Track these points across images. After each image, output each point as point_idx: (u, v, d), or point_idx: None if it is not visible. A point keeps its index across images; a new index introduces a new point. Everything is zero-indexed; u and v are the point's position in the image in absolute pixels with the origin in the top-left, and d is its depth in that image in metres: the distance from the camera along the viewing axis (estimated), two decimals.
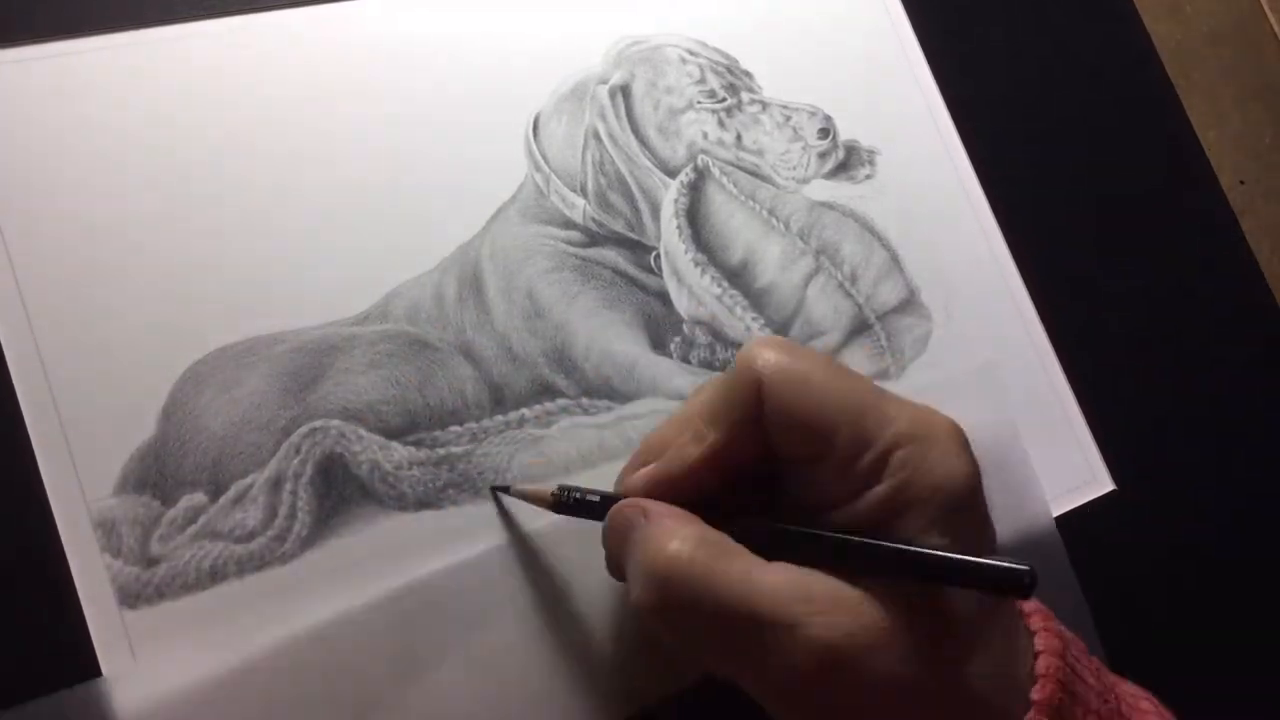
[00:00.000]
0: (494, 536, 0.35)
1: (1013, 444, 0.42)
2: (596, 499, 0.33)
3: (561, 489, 0.33)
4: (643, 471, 0.32)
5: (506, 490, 0.35)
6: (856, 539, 0.29)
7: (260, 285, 0.36)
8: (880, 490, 0.29)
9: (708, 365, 0.40)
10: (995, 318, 0.45)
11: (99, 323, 0.34)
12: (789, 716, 0.29)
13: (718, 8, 0.45)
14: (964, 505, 0.29)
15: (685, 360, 0.40)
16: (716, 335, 0.41)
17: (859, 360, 0.42)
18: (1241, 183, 0.55)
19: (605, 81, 0.42)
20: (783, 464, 0.31)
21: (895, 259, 0.44)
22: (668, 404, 0.39)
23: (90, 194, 0.35)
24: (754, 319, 0.41)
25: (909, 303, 0.44)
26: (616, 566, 0.32)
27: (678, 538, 0.28)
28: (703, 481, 0.31)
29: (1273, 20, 0.58)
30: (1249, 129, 0.57)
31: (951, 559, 0.28)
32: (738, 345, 0.41)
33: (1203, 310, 0.50)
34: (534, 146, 0.40)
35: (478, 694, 0.34)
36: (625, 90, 0.42)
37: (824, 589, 0.28)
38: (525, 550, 0.35)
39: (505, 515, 0.36)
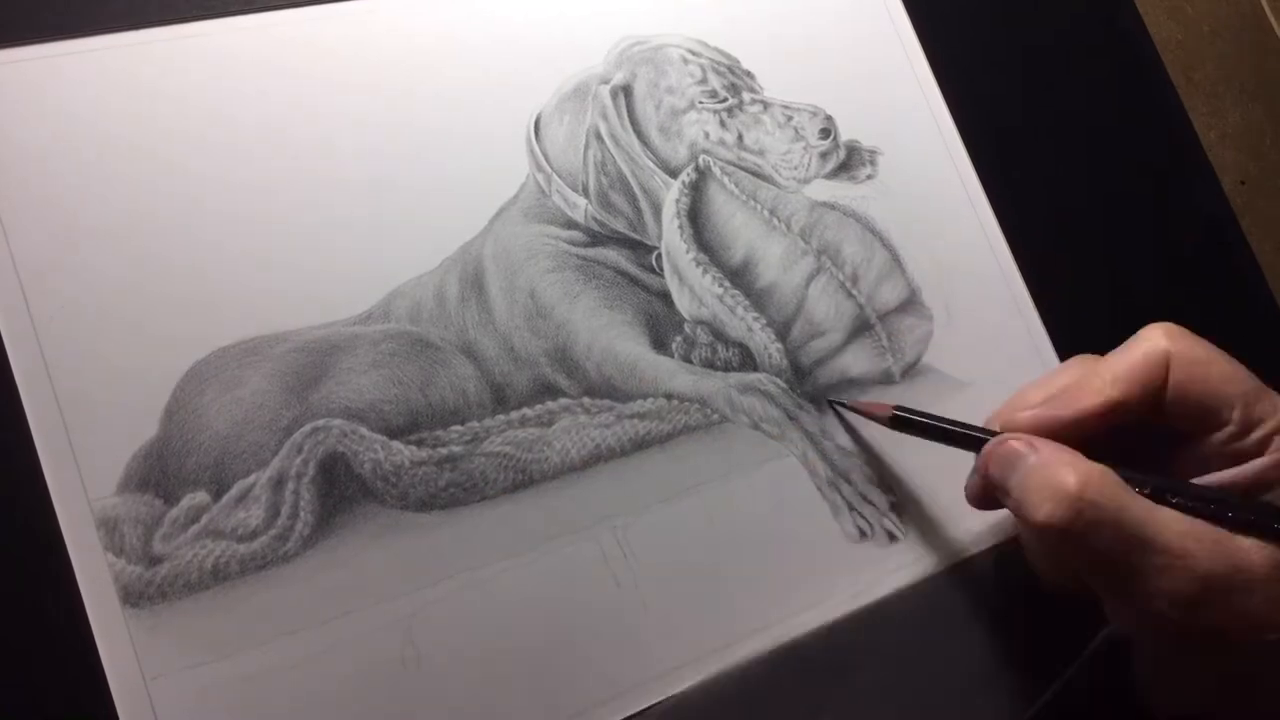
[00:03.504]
0: (491, 543, 0.35)
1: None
2: (944, 425, 0.36)
3: (900, 409, 0.37)
4: (1032, 412, 0.35)
5: (844, 404, 0.40)
6: (1240, 500, 0.33)
7: (262, 285, 0.36)
8: (1259, 463, 0.34)
9: (709, 365, 0.40)
10: (996, 318, 0.45)
11: (101, 322, 0.34)
12: (1157, 635, 0.34)
13: (719, 8, 0.45)
14: None
15: (687, 360, 0.40)
16: (718, 335, 0.41)
17: (860, 360, 0.42)
18: (1242, 183, 0.55)
19: (607, 81, 0.42)
20: (1165, 433, 0.35)
21: (896, 259, 0.44)
22: (669, 404, 0.39)
23: (92, 194, 0.35)
24: (755, 319, 0.41)
25: (910, 303, 0.44)
26: (991, 493, 0.35)
27: (1078, 470, 0.32)
28: (1084, 433, 0.34)
29: (1273, 20, 0.58)
30: (1249, 129, 0.57)
31: None
32: (739, 345, 0.41)
33: (1203, 310, 0.50)
34: (536, 146, 0.40)
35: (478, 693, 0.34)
36: (627, 90, 0.42)
37: (1210, 533, 0.32)
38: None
39: (847, 426, 0.40)
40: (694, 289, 0.41)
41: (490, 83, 0.41)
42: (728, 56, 0.44)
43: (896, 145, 0.46)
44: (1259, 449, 0.34)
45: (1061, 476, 0.32)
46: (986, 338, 0.45)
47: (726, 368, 0.40)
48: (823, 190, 0.44)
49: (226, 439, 0.34)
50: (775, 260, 0.42)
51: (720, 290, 0.41)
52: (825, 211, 0.44)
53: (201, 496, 0.33)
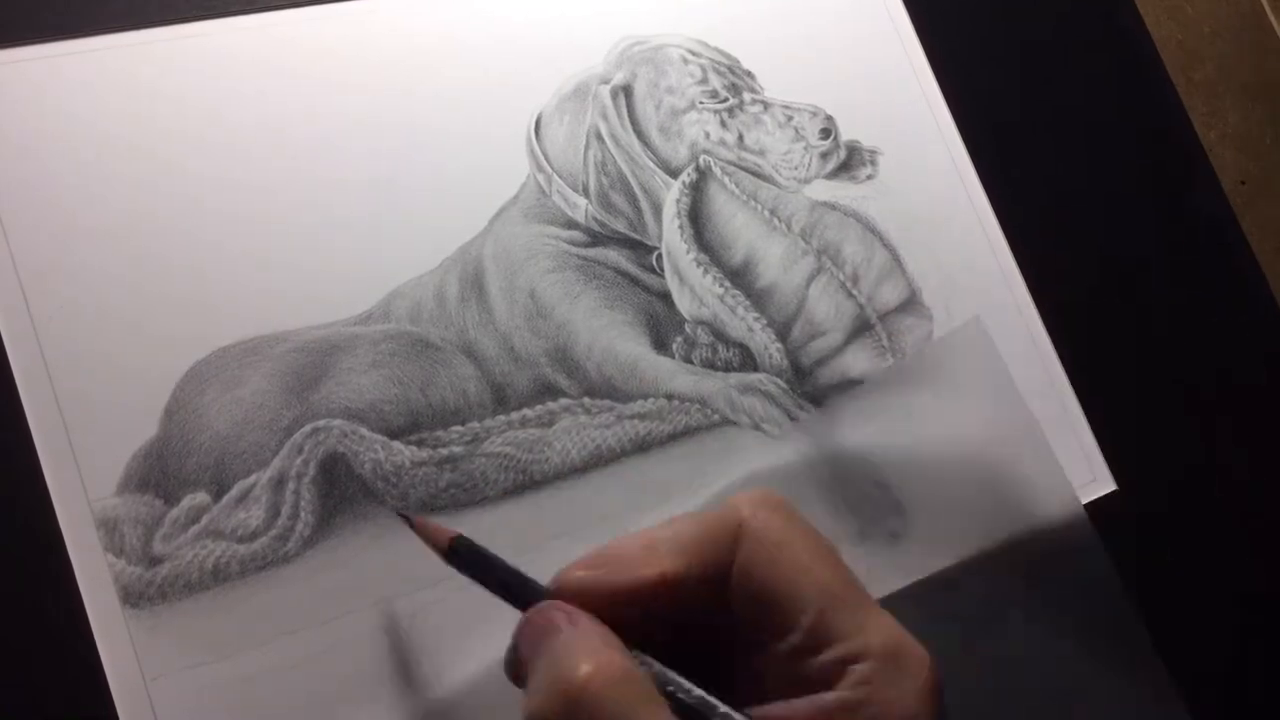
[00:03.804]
0: (491, 544, 0.35)
1: (1032, 433, 0.42)
2: (507, 573, 0.30)
3: (460, 540, 0.30)
4: (582, 573, 0.28)
5: (410, 523, 0.31)
6: None
7: (262, 285, 0.36)
8: (828, 699, 0.26)
9: (709, 365, 0.40)
10: (996, 317, 0.45)
11: (102, 323, 0.34)
12: None
13: (720, 8, 0.45)
14: None
15: (687, 360, 0.40)
16: (718, 335, 0.41)
17: (861, 360, 0.42)
18: (1242, 183, 0.55)
19: (607, 82, 0.42)
20: (736, 631, 0.28)
21: (896, 259, 0.44)
22: (669, 404, 0.39)
23: (93, 194, 0.35)
24: (755, 319, 0.41)
25: (910, 303, 0.44)
26: (518, 664, 0.28)
27: (598, 662, 0.26)
28: (642, 608, 0.28)
29: (1273, 20, 0.58)
30: (1249, 129, 0.57)
31: None
32: (740, 345, 0.41)
33: (1203, 310, 0.50)
34: (536, 146, 0.40)
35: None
36: (627, 90, 0.42)
37: None
38: None
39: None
40: (695, 289, 0.41)
41: (490, 83, 0.41)
42: (728, 56, 0.44)
43: (896, 145, 0.46)
44: (831, 674, 0.26)
45: (573, 663, 0.26)
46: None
47: (727, 368, 0.40)
48: (823, 190, 0.44)
49: (227, 439, 0.34)
50: (776, 260, 0.42)
51: (721, 290, 0.41)
52: (826, 211, 0.44)
53: (202, 497, 0.33)
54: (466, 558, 0.30)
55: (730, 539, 0.28)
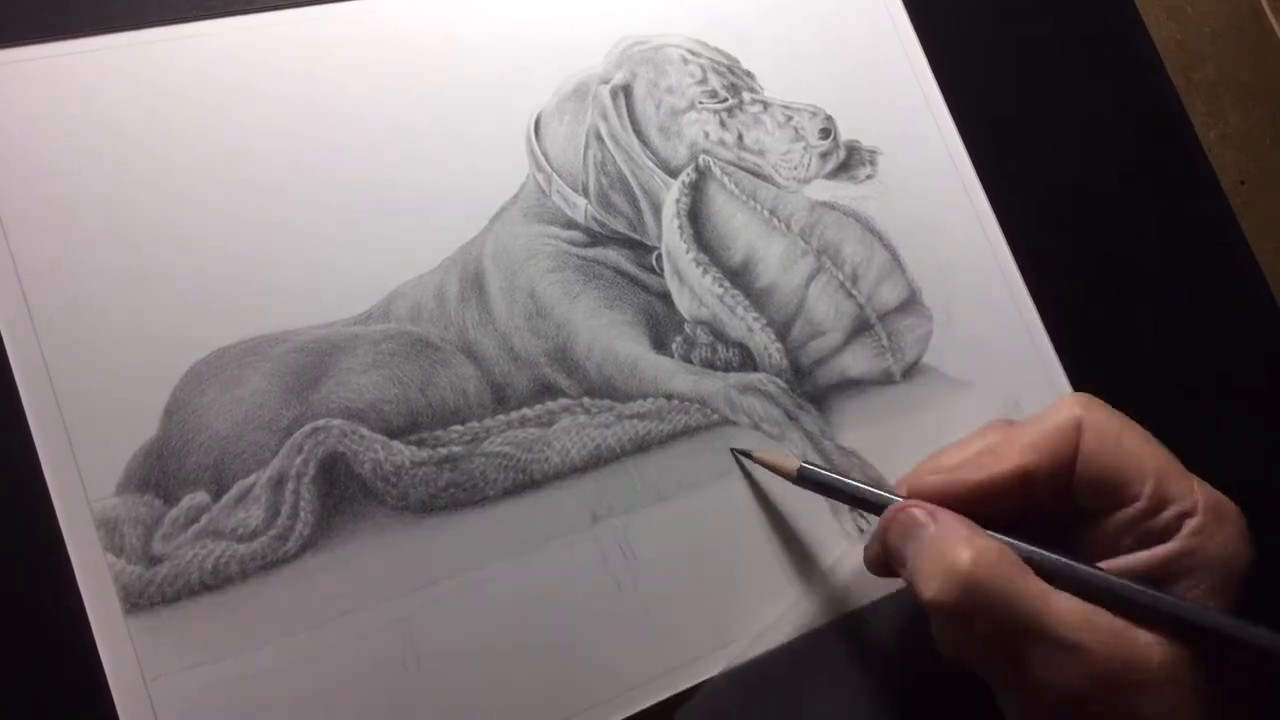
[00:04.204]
0: (491, 543, 0.35)
1: None
2: (863, 486, 0.35)
3: (806, 465, 0.36)
4: (937, 477, 0.33)
5: (749, 455, 0.38)
6: (1149, 590, 0.31)
7: (262, 285, 0.36)
8: (1167, 548, 0.32)
9: (709, 365, 0.40)
10: (996, 318, 0.45)
11: (101, 322, 0.34)
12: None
13: (719, 8, 0.45)
14: (1239, 587, 0.32)
15: (687, 360, 0.40)
16: (718, 335, 0.41)
17: (860, 360, 0.42)
18: (1242, 183, 0.55)
19: (607, 81, 0.42)
20: (1076, 509, 0.33)
21: (896, 259, 0.44)
22: (669, 404, 0.39)
23: (93, 194, 0.35)
24: (755, 319, 0.41)
25: (910, 303, 0.44)
26: (889, 561, 0.33)
27: (974, 546, 0.31)
28: (993, 501, 0.33)
29: (1273, 20, 0.58)
30: (1249, 129, 0.57)
31: (1250, 628, 0.30)
32: (739, 345, 0.41)
33: (1203, 310, 0.50)
34: (536, 146, 0.40)
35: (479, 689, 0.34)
36: (627, 90, 0.42)
37: (1108, 623, 0.30)
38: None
39: (749, 478, 0.38)
40: (694, 289, 0.41)
41: (490, 83, 0.41)
42: (728, 56, 0.44)
43: (896, 145, 0.46)
44: (1167, 532, 0.32)
45: (955, 552, 0.31)
46: (986, 338, 0.45)
47: (726, 368, 0.40)
48: (823, 190, 0.44)
49: (226, 439, 0.34)
50: (775, 260, 0.42)
51: (720, 290, 0.41)
52: (825, 211, 0.44)
53: (201, 496, 0.33)
54: (814, 481, 0.36)
55: (1073, 434, 0.33)
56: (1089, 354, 0.46)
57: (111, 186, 0.35)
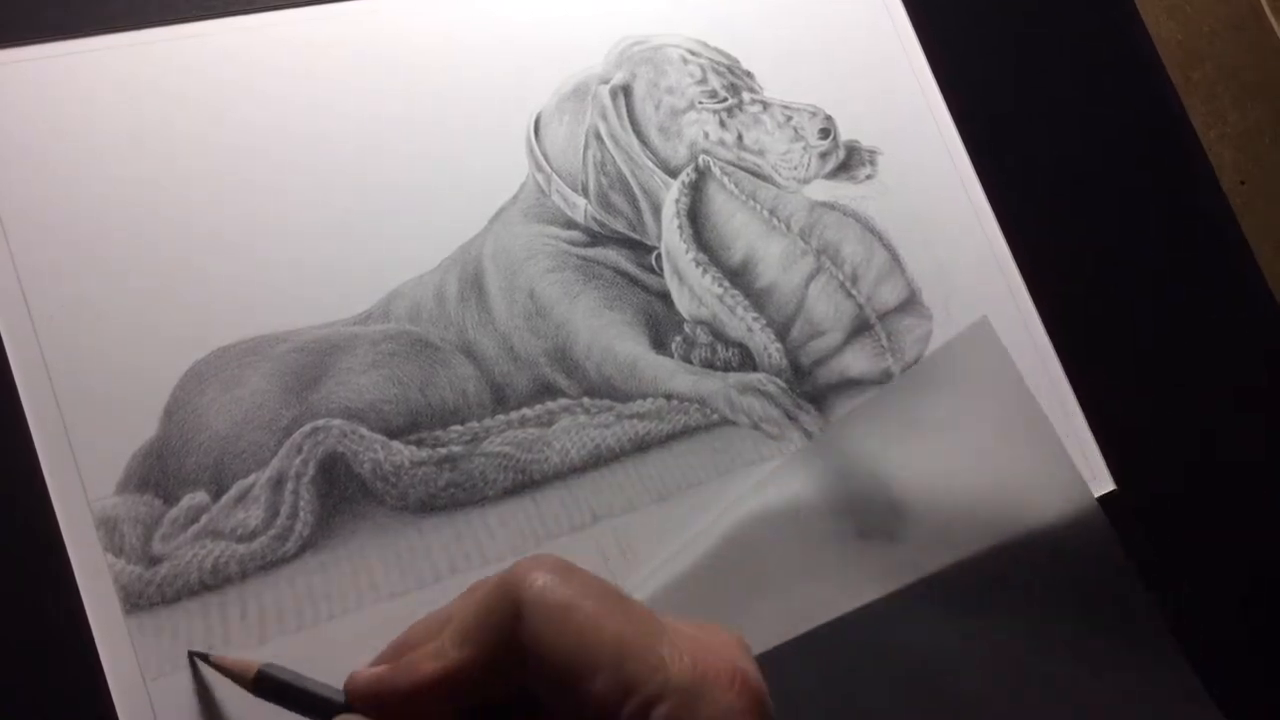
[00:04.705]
0: (491, 543, 0.35)
1: (1041, 426, 0.42)
2: (311, 691, 0.30)
3: (266, 669, 0.30)
4: (370, 674, 0.29)
5: (206, 659, 0.32)
6: None
7: (262, 285, 0.36)
8: None
9: (709, 365, 0.40)
10: (996, 318, 0.45)
11: (101, 323, 0.34)
12: None
13: (719, 8, 0.45)
14: None
15: (686, 360, 0.40)
16: (717, 335, 0.41)
17: (860, 360, 0.42)
18: (1242, 183, 0.55)
19: (607, 82, 0.42)
20: (540, 701, 0.27)
21: (896, 259, 0.44)
22: (669, 404, 0.39)
23: (92, 194, 0.35)
24: (755, 319, 0.41)
25: (910, 303, 0.44)
26: None
27: None
28: (438, 701, 0.28)
29: (1273, 20, 0.58)
30: (1249, 129, 0.57)
31: None
32: (739, 345, 0.41)
33: (1203, 310, 0.50)
34: (535, 146, 0.40)
35: None
36: (627, 90, 0.42)
37: None
38: None
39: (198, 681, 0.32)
40: (694, 289, 0.41)
41: (490, 83, 0.41)
42: (727, 56, 0.44)
43: (896, 145, 0.46)
44: None
45: None
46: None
47: (726, 368, 0.40)
48: (822, 190, 0.44)
49: (226, 439, 0.34)
50: (775, 260, 0.42)
51: (720, 290, 0.41)
52: (825, 211, 0.44)
53: (201, 496, 0.33)
54: (270, 687, 0.30)
55: (512, 615, 0.27)
56: (1088, 353, 0.46)
57: (111, 186, 0.35)
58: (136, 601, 0.32)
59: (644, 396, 0.39)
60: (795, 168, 0.44)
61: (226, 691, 0.31)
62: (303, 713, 0.30)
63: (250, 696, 0.30)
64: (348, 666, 0.32)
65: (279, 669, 0.30)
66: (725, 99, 0.44)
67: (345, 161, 0.38)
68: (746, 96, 0.44)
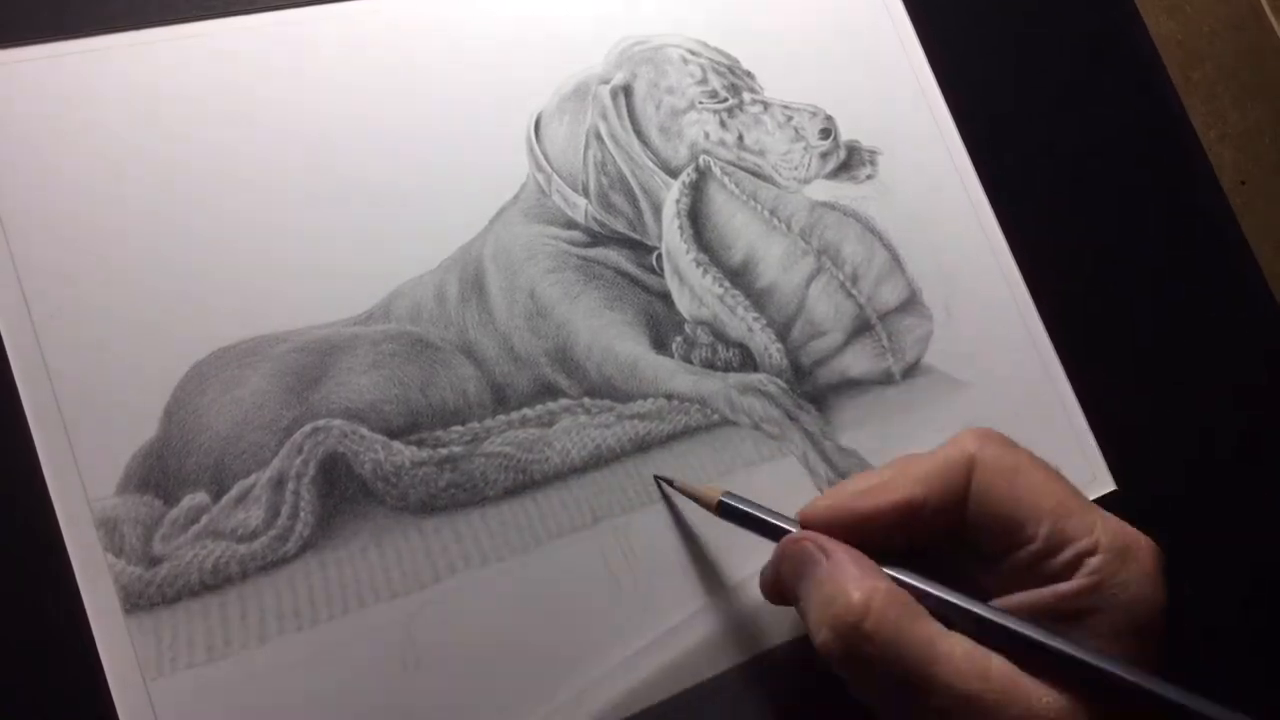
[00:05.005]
0: (491, 544, 0.35)
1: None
2: (765, 516, 0.34)
3: (728, 497, 0.35)
4: (826, 503, 0.33)
5: (671, 483, 0.37)
6: (1042, 632, 0.30)
7: (263, 285, 0.36)
8: (1065, 588, 0.31)
9: (709, 365, 0.40)
10: (996, 318, 0.45)
11: (102, 322, 0.34)
12: None
13: (720, 8, 0.45)
14: (1148, 628, 0.31)
15: (687, 360, 0.40)
16: (718, 335, 0.41)
17: (860, 360, 0.42)
18: (1242, 183, 0.55)
19: (607, 81, 0.42)
20: (968, 547, 0.33)
21: (896, 259, 0.44)
22: (669, 404, 0.39)
23: (92, 194, 0.35)
24: (755, 319, 0.41)
25: (910, 303, 0.44)
26: (784, 592, 0.33)
27: (863, 588, 0.30)
28: (883, 533, 0.32)
29: (1273, 20, 0.58)
30: (1249, 129, 0.57)
31: (1146, 679, 0.29)
32: (739, 345, 0.41)
33: (1203, 310, 0.50)
34: (536, 146, 0.40)
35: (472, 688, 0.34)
36: (627, 90, 0.42)
37: (1001, 671, 0.29)
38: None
39: (668, 502, 0.38)
40: (694, 289, 0.41)
41: (490, 83, 0.41)
42: (728, 56, 0.44)
43: (896, 145, 0.46)
44: (1066, 571, 0.31)
45: (844, 597, 0.30)
46: (986, 338, 0.45)
47: (727, 368, 0.40)
48: (823, 190, 0.44)
49: (226, 439, 0.34)
50: (775, 260, 0.42)
51: (720, 290, 0.41)
52: (825, 211, 0.44)
53: (201, 497, 0.33)
54: (729, 513, 0.35)
55: (964, 471, 0.32)
56: (1088, 353, 0.46)
57: (111, 186, 0.35)
58: (137, 602, 0.31)
59: (644, 397, 0.39)
60: (796, 168, 0.44)
61: (227, 691, 0.31)
62: (761, 533, 0.34)
63: (259, 690, 0.31)
64: (348, 667, 0.33)
65: (737, 498, 0.35)
66: (726, 99, 0.44)
67: (346, 162, 0.38)
68: (747, 97, 0.44)
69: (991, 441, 0.33)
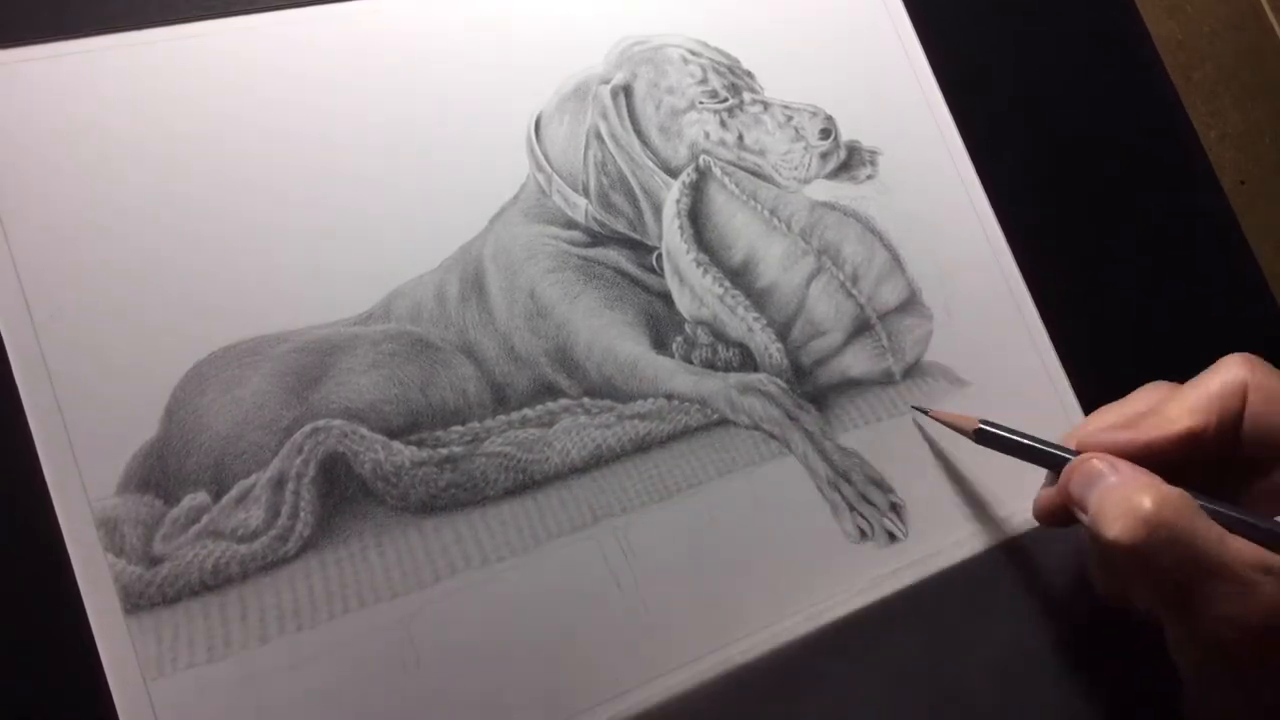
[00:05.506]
0: (491, 544, 0.35)
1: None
2: (1030, 442, 0.38)
3: (985, 424, 0.39)
4: (1111, 434, 0.36)
5: (926, 412, 0.41)
6: None
7: (263, 285, 0.36)
8: None
9: (709, 365, 0.40)
10: (996, 318, 0.45)
11: (102, 322, 0.34)
12: (1209, 668, 0.34)
13: (720, 8, 0.45)
14: None
15: (687, 360, 0.40)
16: (718, 335, 0.41)
17: (861, 360, 0.42)
18: (1242, 183, 0.55)
19: (607, 81, 0.42)
20: (1240, 464, 0.36)
21: (896, 259, 0.44)
22: (669, 404, 0.39)
23: (92, 194, 0.35)
24: (755, 319, 0.41)
25: (910, 303, 0.44)
26: (1065, 509, 0.36)
27: (1156, 489, 0.33)
28: (1159, 460, 0.35)
29: (1273, 20, 0.58)
30: (1249, 129, 0.57)
31: None
32: (740, 345, 0.41)
33: (1203, 310, 0.50)
34: (536, 146, 0.40)
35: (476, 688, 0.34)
36: (627, 90, 0.42)
37: None
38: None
39: (924, 434, 0.41)
40: (694, 289, 0.41)
41: (490, 83, 0.41)
42: (728, 56, 0.44)
43: (896, 145, 0.46)
44: None
45: (1138, 496, 0.33)
46: (986, 338, 0.45)
47: (727, 368, 0.40)
48: (823, 190, 0.44)
49: (227, 439, 0.34)
50: (775, 260, 0.42)
51: (721, 290, 0.41)
52: (825, 211, 0.44)
53: (202, 497, 0.33)
54: (991, 439, 0.38)
55: (1239, 396, 0.35)
56: (1089, 353, 0.46)
57: (112, 186, 0.35)
58: (137, 602, 0.31)
59: (645, 397, 0.39)
60: (796, 168, 0.44)
61: (227, 691, 0.31)
62: (1021, 457, 0.38)
63: (259, 690, 0.31)
64: (351, 666, 0.33)
65: (996, 425, 0.38)
66: (726, 99, 0.44)
67: (346, 162, 0.38)
68: (747, 97, 0.44)
69: (1257, 366, 0.36)
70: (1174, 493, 0.33)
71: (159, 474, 0.33)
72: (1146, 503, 0.32)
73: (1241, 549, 0.32)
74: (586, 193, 0.41)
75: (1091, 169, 0.50)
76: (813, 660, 0.37)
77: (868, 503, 0.40)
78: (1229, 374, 0.36)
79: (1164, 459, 0.35)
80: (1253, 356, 0.36)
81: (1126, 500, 0.33)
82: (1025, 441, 0.38)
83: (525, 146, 0.40)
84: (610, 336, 0.39)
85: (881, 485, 0.40)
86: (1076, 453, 0.36)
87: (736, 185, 0.43)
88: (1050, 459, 0.37)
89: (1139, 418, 0.36)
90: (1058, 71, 0.51)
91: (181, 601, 0.32)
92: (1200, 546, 0.32)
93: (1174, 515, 0.32)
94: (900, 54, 0.47)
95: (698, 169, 0.42)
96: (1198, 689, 0.35)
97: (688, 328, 0.40)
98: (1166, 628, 0.35)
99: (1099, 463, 0.35)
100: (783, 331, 0.41)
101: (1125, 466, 0.34)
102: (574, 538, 0.36)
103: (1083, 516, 0.35)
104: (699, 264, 0.41)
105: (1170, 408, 0.36)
